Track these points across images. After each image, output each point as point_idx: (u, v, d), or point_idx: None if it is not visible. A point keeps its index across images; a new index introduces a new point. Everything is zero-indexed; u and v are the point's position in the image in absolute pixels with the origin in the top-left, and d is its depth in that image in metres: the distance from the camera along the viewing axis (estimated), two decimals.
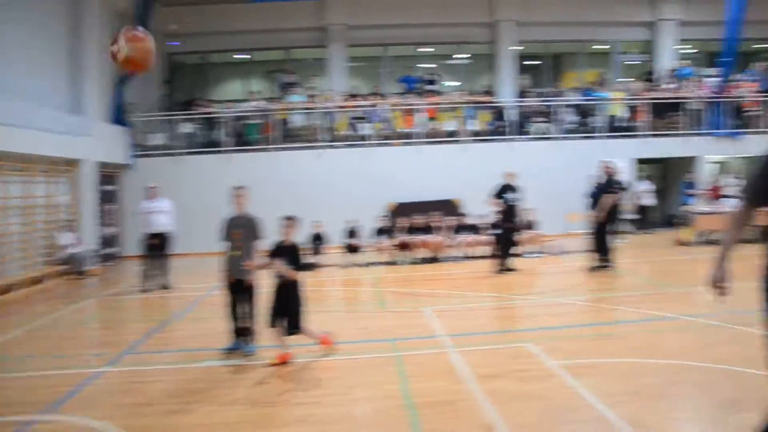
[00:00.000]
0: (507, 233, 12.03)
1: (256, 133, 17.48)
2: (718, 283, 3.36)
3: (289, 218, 6.55)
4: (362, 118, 17.92)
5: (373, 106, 17.81)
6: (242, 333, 6.82)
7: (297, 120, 17.75)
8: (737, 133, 18.58)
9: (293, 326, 6.36)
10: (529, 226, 14.25)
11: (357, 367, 6.24)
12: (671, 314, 7.83)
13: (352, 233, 13.89)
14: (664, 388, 5.24)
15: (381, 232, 14.09)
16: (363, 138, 17.69)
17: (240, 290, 6.79)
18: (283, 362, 6.34)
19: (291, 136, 17.66)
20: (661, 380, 5.44)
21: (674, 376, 5.55)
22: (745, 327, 7.00)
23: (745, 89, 19.12)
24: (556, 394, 5.19)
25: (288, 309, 6.39)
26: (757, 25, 21.00)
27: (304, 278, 6.62)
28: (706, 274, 3.73)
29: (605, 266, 11.70)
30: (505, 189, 11.97)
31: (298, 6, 20.00)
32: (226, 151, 17.17)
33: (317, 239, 13.65)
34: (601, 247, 11.76)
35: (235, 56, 21.88)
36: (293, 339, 6.42)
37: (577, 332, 7.36)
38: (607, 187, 11.93)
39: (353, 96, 18.65)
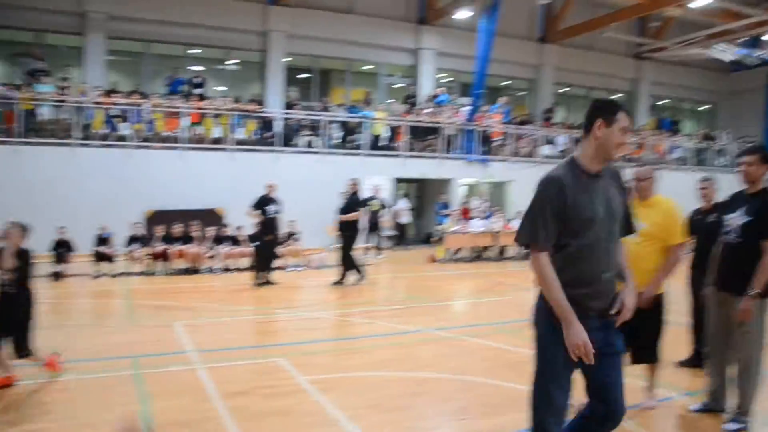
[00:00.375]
0: (266, 246, 11.94)
1: None
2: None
3: (14, 224, 5.85)
4: (121, 117, 16.77)
5: (135, 105, 16.73)
6: None
7: (45, 112, 16.01)
8: (485, 159, 20.50)
9: (20, 347, 5.69)
10: (290, 239, 14.33)
11: (92, 388, 5.76)
12: (417, 328, 8.31)
13: (102, 241, 12.84)
14: (404, 399, 5.52)
15: (135, 240, 13.22)
16: (121, 138, 16.55)
17: None
18: (5, 386, 5.64)
19: (37, 130, 15.95)
20: (402, 392, 5.73)
21: (415, 387, 5.87)
22: (479, 339, 7.65)
23: (493, 120, 21.18)
24: (301, 409, 5.24)
25: (13, 326, 5.70)
26: (504, 63, 23.49)
27: (37, 291, 5.97)
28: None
29: (342, 281, 12.03)
30: (266, 201, 11.90)
31: None
32: None
33: (61, 246, 12.45)
34: (345, 262, 12.11)
35: None
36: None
37: (329, 346, 7.51)
38: (353, 203, 12.37)
39: (112, 92, 17.33)
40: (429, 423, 5.16)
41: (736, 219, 4.64)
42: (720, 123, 30.60)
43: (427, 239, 20.36)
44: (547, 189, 3.17)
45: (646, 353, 5.00)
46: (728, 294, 4.69)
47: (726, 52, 23.34)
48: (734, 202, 4.77)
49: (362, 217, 13.00)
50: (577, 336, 3.08)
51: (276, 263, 12.90)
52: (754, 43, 24.77)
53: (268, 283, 11.90)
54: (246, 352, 7.09)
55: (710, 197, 6.22)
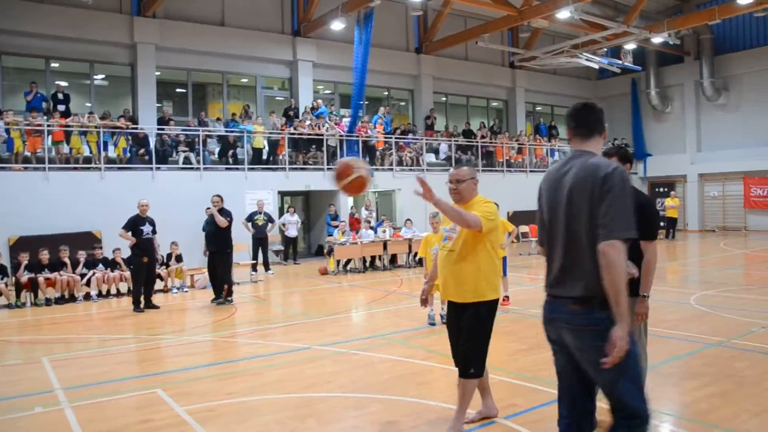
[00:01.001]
0: (142, 268, 11.17)
1: None
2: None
3: None
4: None
5: None
6: None
7: None
8: (369, 170, 20.37)
9: None
10: (172, 259, 13.59)
11: None
12: (304, 345, 7.95)
13: None
14: (292, 423, 5.16)
15: None
16: None
17: None
18: None
19: None
20: (290, 415, 5.37)
21: (304, 409, 5.52)
22: (371, 352, 7.40)
23: (374, 130, 21.18)
24: None
25: None
26: (383, 74, 23.64)
27: None
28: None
29: (224, 299, 11.68)
30: (139, 221, 11.18)
31: None
32: None
33: None
34: (215, 279, 11.79)
35: None
36: None
37: (211, 371, 6.97)
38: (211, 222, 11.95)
39: None
40: None
41: None
42: None
43: (319, 251, 20.05)
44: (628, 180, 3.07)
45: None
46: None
47: (591, 61, 24.67)
48: None
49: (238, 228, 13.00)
50: (626, 337, 2.88)
51: (157, 285, 12.16)
52: (616, 52, 26.35)
53: (150, 307, 11.16)
54: (120, 385, 6.45)
55: None
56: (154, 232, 11.38)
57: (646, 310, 4.43)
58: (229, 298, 11.73)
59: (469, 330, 4.53)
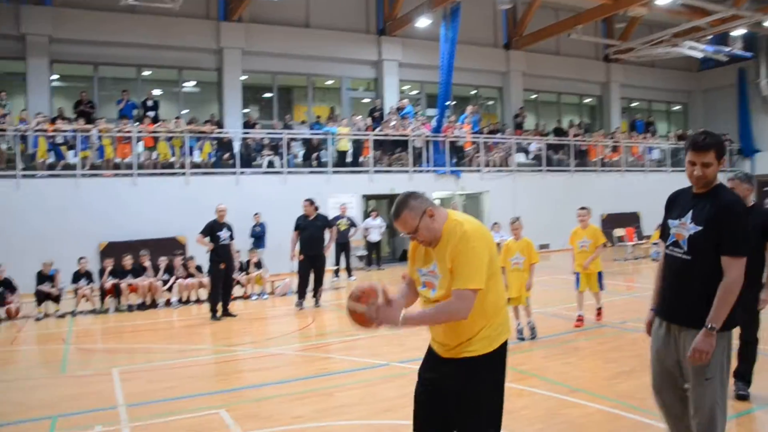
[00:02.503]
0: (220, 275, 10.97)
1: None
2: None
3: None
4: (67, 145, 15.79)
5: (82, 131, 15.73)
6: None
7: None
8: (457, 171, 19.78)
9: None
10: (252, 266, 13.42)
11: None
12: (383, 361, 7.42)
13: (46, 278, 11.75)
14: None
15: (81, 275, 12.14)
16: (68, 167, 15.55)
17: None
18: None
19: None
20: None
21: None
22: None
23: (462, 130, 20.50)
24: None
25: None
26: (470, 71, 22.89)
27: None
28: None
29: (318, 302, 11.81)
30: (217, 226, 10.99)
31: None
32: None
33: (1, 285, 11.41)
34: (305, 283, 11.77)
35: None
36: None
37: (279, 390, 6.49)
38: (311, 223, 11.82)
39: (58, 118, 16.26)
40: None
41: (680, 228, 3.53)
42: (692, 122, 30.34)
43: (403, 256, 19.53)
44: None
45: None
46: (679, 326, 3.54)
47: (695, 50, 22.96)
48: (677, 202, 3.67)
49: (333, 237, 12.66)
50: None
51: (237, 292, 12.00)
52: (722, 39, 24.44)
53: (227, 315, 10.96)
54: (184, 404, 6.12)
55: (745, 199, 5.24)
56: (231, 237, 11.14)
57: (705, 347, 3.35)
58: (319, 303, 11.84)
59: (480, 384, 3.19)
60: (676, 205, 3.63)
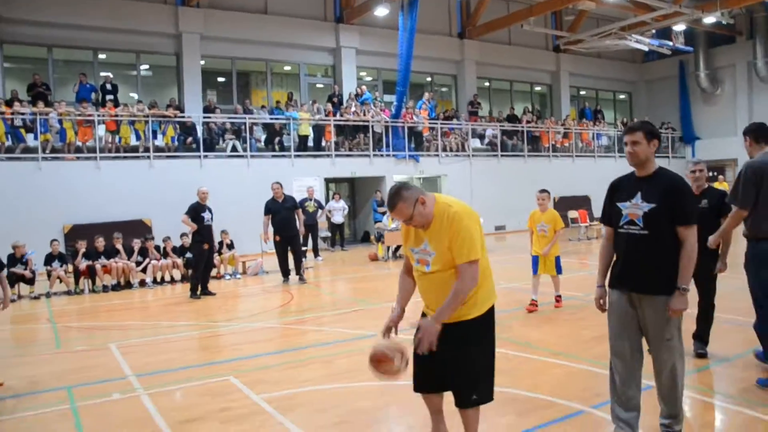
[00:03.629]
0: (203, 255, 11.19)
1: None
2: None
3: None
4: (26, 128, 15.54)
5: (43, 114, 15.50)
6: None
7: None
8: (416, 156, 20.26)
9: None
10: (224, 246, 13.61)
11: (23, 428, 4.97)
12: (370, 332, 7.79)
13: (18, 260, 11.67)
14: (376, 413, 5.04)
15: (54, 257, 12.12)
16: (29, 150, 15.32)
17: None
18: None
19: None
20: (372, 405, 5.22)
21: (385, 397, 5.37)
22: None
23: (419, 116, 20.97)
24: None
25: None
26: (426, 59, 23.36)
27: None
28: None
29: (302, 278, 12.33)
30: (200, 208, 11.19)
31: None
32: None
33: None
34: (285, 263, 12.35)
35: None
36: None
37: (281, 359, 6.85)
38: (281, 206, 12.23)
39: (13, 101, 15.93)
40: None
41: (633, 208, 3.98)
42: (637, 111, 31.70)
43: (365, 238, 19.96)
44: None
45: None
46: (641, 294, 3.96)
47: (641, 43, 23.99)
48: (624, 187, 4.11)
49: (302, 218, 12.99)
50: None
51: (212, 273, 12.22)
52: (665, 33, 25.61)
53: (206, 293, 11.18)
54: (192, 372, 6.38)
55: (702, 181, 6.00)
56: (212, 219, 11.40)
57: (682, 304, 3.85)
58: (304, 279, 12.31)
59: (466, 351, 3.64)
60: (620, 189, 4.10)
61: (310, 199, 16.34)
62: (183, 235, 13.07)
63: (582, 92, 30.63)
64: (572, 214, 20.09)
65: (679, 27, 24.53)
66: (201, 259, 11.13)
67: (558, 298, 8.98)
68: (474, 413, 3.75)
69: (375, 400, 5.31)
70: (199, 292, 11.06)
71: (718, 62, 29.02)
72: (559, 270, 8.85)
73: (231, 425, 4.83)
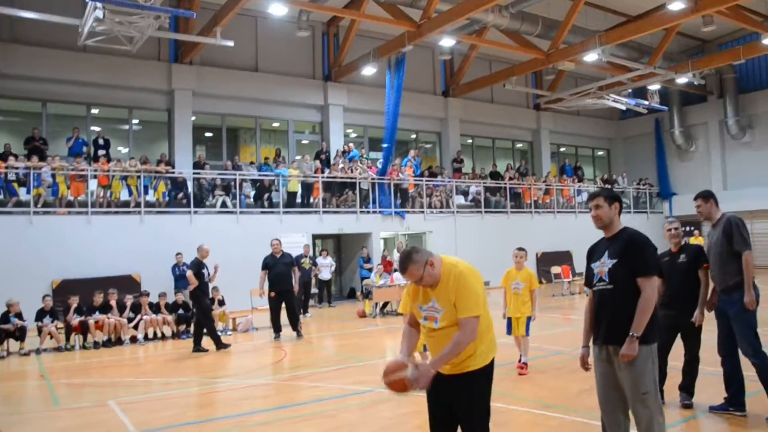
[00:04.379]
0: (210, 308, 11.57)
1: None
2: None
3: None
4: (19, 182, 15.71)
5: (36, 168, 15.67)
6: None
7: None
8: (401, 212, 20.63)
9: None
10: (215, 302, 13.72)
11: None
12: (367, 387, 7.96)
13: (7, 316, 11.66)
14: None
15: (45, 313, 12.13)
16: (20, 204, 15.45)
17: None
18: None
19: None
20: None
21: None
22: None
23: (405, 173, 21.44)
24: None
25: None
26: (411, 117, 23.99)
27: None
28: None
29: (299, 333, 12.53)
30: (202, 265, 11.53)
31: None
32: None
33: None
34: (277, 319, 12.49)
35: None
36: None
37: (281, 414, 7.01)
38: (279, 261, 12.50)
39: (8, 155, 16.09)
40: None
41: (600, 266, 4.37)
42: (615, 166, 32.54)
43: (351, 294, 20.10)
44: None
45: None
46: (613, 346, 4.26)
47: (618, 102, 24.89)
48: (597, 250, 4.51)
49: (298, 275, 13.22)
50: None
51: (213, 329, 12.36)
52: (641, 92, 26.59)
53: (200, 350, 11.36)
54: (195, 428, 6.49)
55: (678, 238, 6.42)
56: (209, 276, 11.83)
57: (632, 348, 4.13)
58: (301, 334, 12.50)
59: (470, 398, 4.03)
60: (595, 252, 4.52)
61: (306, 256, 16.53)
62: (178, 291, 13.29)
63: (562, 149, 31.45)
64: (555, 269, 20.43)
65: (654, 86, 25.48)
66: (209, 311, 11.59)
67: (524, 365, 8.52)
68: None
69: None
70: (198, 348, 11.32)
71: (691, 120, 30.04)
72: (527, 331, 8.57)
73: None
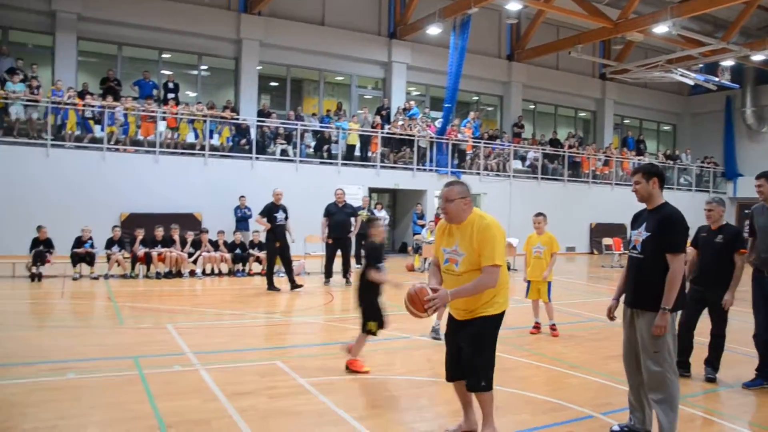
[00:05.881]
0: (275, 252, 12.00)
1: None
2: None
3: None
4: (94, 119, 16.59)
5: (111, 107, 16.53)
6: None
7: (16, 111, 15.68)
8: (457, 173, 20.83)
9: None
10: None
11: (95, 387, 5.68)
12: (404, 334, 8.39)
13: (82, 242, 12.63)
14: (406, 401, 5.62)
15: (114, 242, 13.03)
16: (95, 141, 16.35)
17: None
18: None
19: (7, 128, 15.66)
20: (403, 393, 5.82)
21: (414, 389, 5.97)
22: None
23: (464, 134, 21.56)
24: (309, 409, 5.26)
25: None
26: (473, 79, 23.96)
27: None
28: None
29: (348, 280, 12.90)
30: (274, 208, 11.99)
31: None
32: None
33: (41, 245, 12.26)
34: (330, 265, 12.99)
35: None
36: None
37: (323, 350, 7.53)
38: (349, 213, 12.98)
39: (85, 94, 17.05)
40: (434, 424, 5.17)
41: (637, 235, 4.68)
42: (680, 143, 31.74)
43: (402, 249, 20.55)
44: None
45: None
46: (637, 310, 4.64)
47: (687, 77, 24.23)
48: (638, 218, 4.80)
49: (358, 224, 13.95)
50: None
51: (255, 269, 12.96)
52: (712, 68, 25.76)
53: (295, 287, 11.97)
54: (242, 355, 7.07)
55: (715, 218, 6.51)
56: (286, 218, 12.15)
57: (663, 323, 4.44)
58: (350, 282, 12.88)
59: (479, 342, 4.39)
60: (637, 220, 4.80)
61: (364, 208, 16.59)
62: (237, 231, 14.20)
63: (626, 121, 30.89)
64: (607, 241, 20.40)
65: (727, 63, 24.68)
66: (273, 255, 12.02)
67: (553, 327, 8.68)
68: (488, 396, 4.47)
69: (407, 391, 5.92)
70: (276, 286, 11.91)
71: (765, 100, 28.97)
72: (549, 297, 8.67)
73: (278, 400, 5.46)
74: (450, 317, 4.64)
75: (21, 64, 16.62)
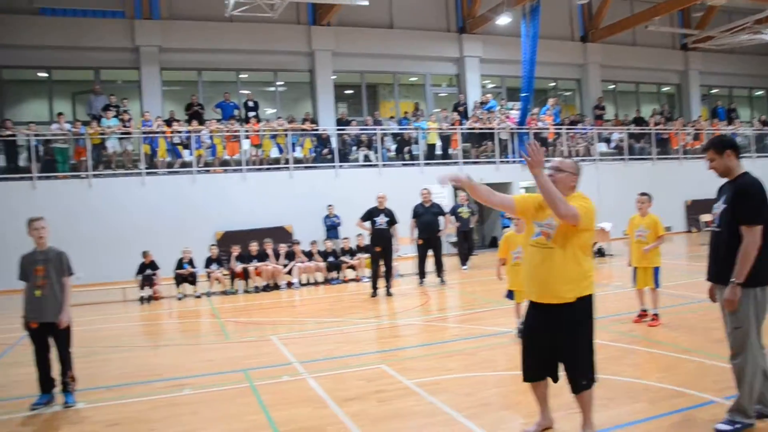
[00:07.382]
0: (376, 256, 11.90)
1: (66, 158, 16.13)
2: None
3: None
4: (182, 144, 17.30)
5: (196, 131, 17.22)
6: (54, 384, 6.06)
7: (112, 145, 16.58)
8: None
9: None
10: (359, 251, 14.51)
11: (211, 401, 5.91)
12: (507, 329, 8.32)
13: (183, 263, 13.21)
14: (515, 397, 5.54)
15: (212, 261, 13.59)
16: (185, 165, 17.05)
17: (49, 334, 5.99)
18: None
19: (106, 162, 16.56)
20: (512, 390, 5.75)
21: (520, 384, 5.86)
22: None
23: (544, 122, 21.18)
24: (419, 411, 5.30)
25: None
26: (548, 65, 23.48)
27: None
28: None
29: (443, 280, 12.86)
30: (375, 212, 11.98)
31: (105, 24, 18.71)
32: (30, 178, 15.65)
33: (148, 269, 12.91)
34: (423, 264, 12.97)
35: (38, 74, 19.70)
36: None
37: (426, 351, 7.56)
38: (427, 210, 12.95)
39: (172, 121, 17.82)
40: None
41: (717, 208, 4.55)
42: None
43: (492, 243, 20.37)
44: None
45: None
46: (719, 285, 4.50)
47: None
48: (720, 192, 4.62)
49: (448, 222, 13.96)
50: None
51: (349, 275, 13.11)
52: None
53: (389, 295, 11.78)
54: (347, 361, 7.19)
55: None
56: (390, 222, 11.94)
57: (732, 296, 4.27)
58: (444, 280, 12.89)
59: (575, 333, 4.24)
60: (720, 193, 4.61)
61: (462, 205, 16.22)
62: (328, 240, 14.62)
63: (714, 90, 29.48)
64: (705, 217, 19.53)
65: None
66: (373, 260, 11.94)
67: (655, 317, 8.17)
68: (588, 395, 4.38)
69: (513, 387, 5.85)
70: (376, 293, 11.75)
71: None
72: (657, 283, 8.16)
73: (387, 403, 5.53)
74: (529, 310, 4.47)
75: (114, 100, 17.50)
